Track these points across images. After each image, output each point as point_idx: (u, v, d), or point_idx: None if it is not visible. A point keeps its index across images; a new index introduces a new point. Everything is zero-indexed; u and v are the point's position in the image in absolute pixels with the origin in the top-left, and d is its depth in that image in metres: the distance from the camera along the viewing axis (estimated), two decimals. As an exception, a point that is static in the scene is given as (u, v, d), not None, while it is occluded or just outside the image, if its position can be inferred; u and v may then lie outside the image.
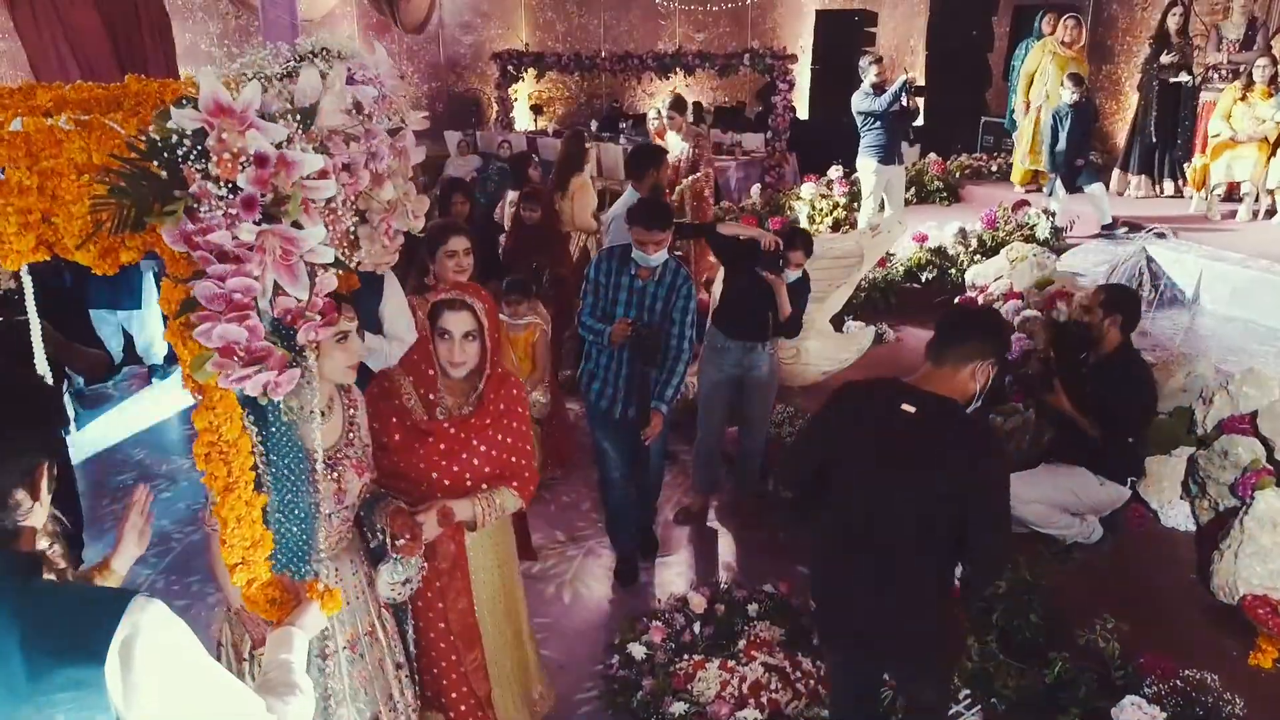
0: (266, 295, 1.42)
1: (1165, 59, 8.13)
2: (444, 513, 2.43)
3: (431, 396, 2.60)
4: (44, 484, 1.34)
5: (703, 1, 14.69)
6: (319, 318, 1.55)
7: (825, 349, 5.55)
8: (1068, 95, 7.62)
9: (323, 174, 1.51)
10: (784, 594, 3.92)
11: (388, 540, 2.32)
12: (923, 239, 7.28)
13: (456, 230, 3.66)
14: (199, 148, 1.35)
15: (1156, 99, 8.24)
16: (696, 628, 3.75)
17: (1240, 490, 3.98)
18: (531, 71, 13.70)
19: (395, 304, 3.24)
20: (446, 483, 2.55)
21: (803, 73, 12.58)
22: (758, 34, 14.57)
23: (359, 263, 1.60)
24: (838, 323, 6.13)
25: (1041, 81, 8.40)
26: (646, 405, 3.80)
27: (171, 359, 6.41)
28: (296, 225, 1.43)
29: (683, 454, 5.06)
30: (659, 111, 7.92)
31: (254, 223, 1.32)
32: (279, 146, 1.44)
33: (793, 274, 4.27)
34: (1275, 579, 3.60)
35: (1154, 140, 8.33)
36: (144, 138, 1.38)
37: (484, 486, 2.59)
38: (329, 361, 2.14)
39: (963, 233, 7.28)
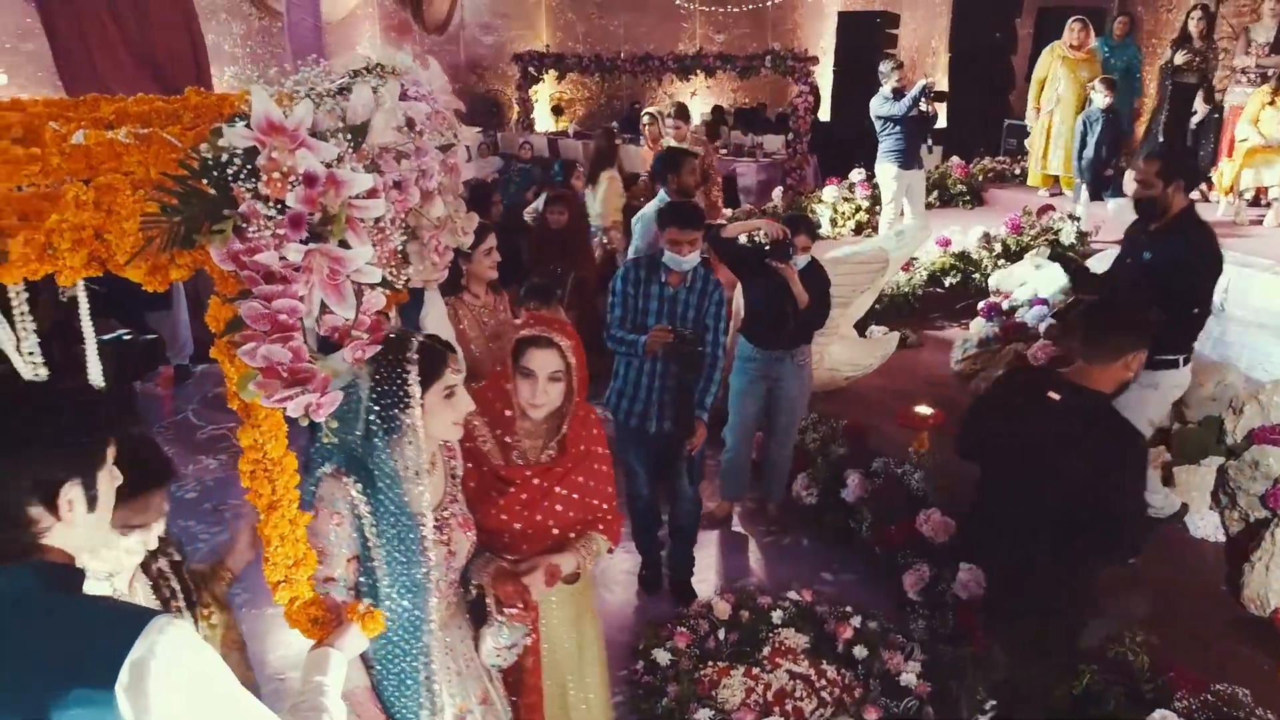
0: (313, 314, 1.43)
1: (1179, 59, 8.06)
2: (551, 571, 2.22)
3: (508, 439, 2.38)
4: (71, 505, 1.31)
5: (723, 3, 14.67)
6: (366, 336, 1.55)
7: (849, 354, 5.53)
8: (1099, 100, 7.55)
9: (372, 193, 1.52)
10: (809, 601, 3.92)
11: (491, 603, 2.14)
12: (946, 243, 7.24)
13: (487, 228, 3.67)
14: (249, 166, 1.36)
15: (1169, 100, 8.17)
16: (721, 634, 3.76)
17: (1271, 502, 3.93)
18: (552, 73, 13.72)
19: (436, 313, 3.24)
20: (529, 533, 2.34)
21: (824, 74, 12.55)
22: (778, 35, 14.54)
23: (408, 280, 1.61)
24: (861, 328, 6.11)
25: (1052, 86, 8.33)
26: (687, 416, 3.77)
27: (197, 359, 6.47)
28: (344, 244, 1.44)
29: (710, 459, 5.06)
30: (654, 116, 7.82)
31: (301, 242, 1.33)
32: (329, 165, 1.44)
33: (801, 259, 4.21)
34: (1307, 592, 3.57)
35: (1159, 140, 8.25)
36: (196, 155, 1.39)
37: (571, 534, 2.38)
38: (435, 419, 1.97)
39: (987, 237, 7.23)
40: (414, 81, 2.12)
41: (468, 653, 2.19)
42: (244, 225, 1.32)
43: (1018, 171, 9.46)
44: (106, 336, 2.66)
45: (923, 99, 7.08)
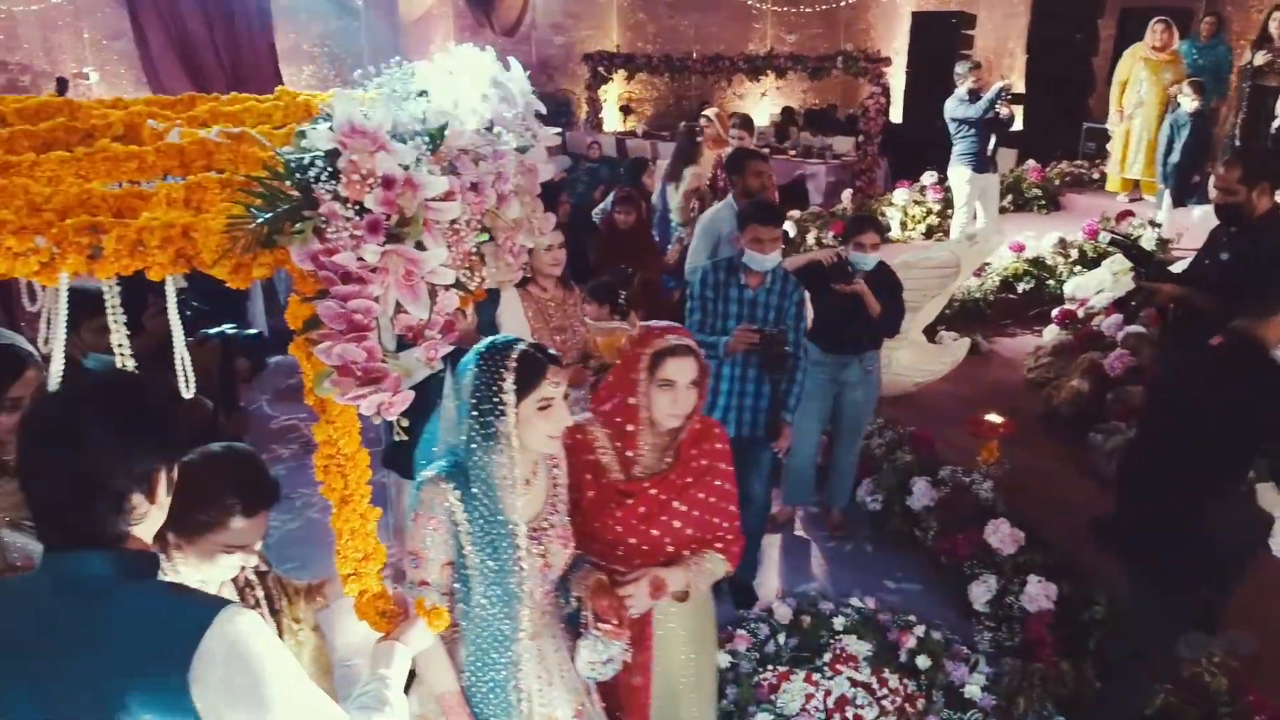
0: (388, 314, 1.46)
1: (1259, 60, 7.76)
2: (656, 584, 2.17)
3: (630, 453, 2.29)
4: (161, 488, 1.37)
5: (795, 2, 14.57)
6: (440, 336, 1.58)
7: (917, 359, 5.46)
8: (1187, 104, 7.32)
9: (448, 195, 1.55)
10: (871, 609, 3.88)
11: (588, 616, 2.09)
12: (1020, 249, 7.10)
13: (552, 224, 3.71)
14: (330, 168, 1.39)
15: (1247, 102, 7.88)
16: (781, 638, 3.73)
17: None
18: (621, 72, 13.76)
19: (511, 310, 3.27)
20: (645, 548, 2.27)
21: (896, 75, 12.38)
22: (850, 36, 14.40)
23: (482, 280, 1.63)
24: (930, 333, 6.02)
25: (1134, 89, 8.09)
26: (772, 419, 3.74)
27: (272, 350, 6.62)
28: (419, 246, 1.47)
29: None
30: (710, 119, 7.65)
31: (378, 244, 1.36)
32: (406, 168, 1.47)
33: (870, 258, 4.13)
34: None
35: (1236, 144, 7.95)
36: (280, 157, 1.43)
37: (686, 551, 2.31)
38: (530, 431, 1.94)
39: (1062, 243, 7.07)
40: (495, 83, 2.16)
41: (563, 664, 2.15)
42: (323, 226, 1.35)
43: (1096, 176, 9.23)
44: (211, 330, 2.77)
45: (999, 101, 6.94)
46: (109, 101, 2.62)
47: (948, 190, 8.27)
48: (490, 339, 2.02)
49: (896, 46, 13.33)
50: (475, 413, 1.93)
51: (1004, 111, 6.99)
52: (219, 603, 1.31)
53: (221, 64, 8.59)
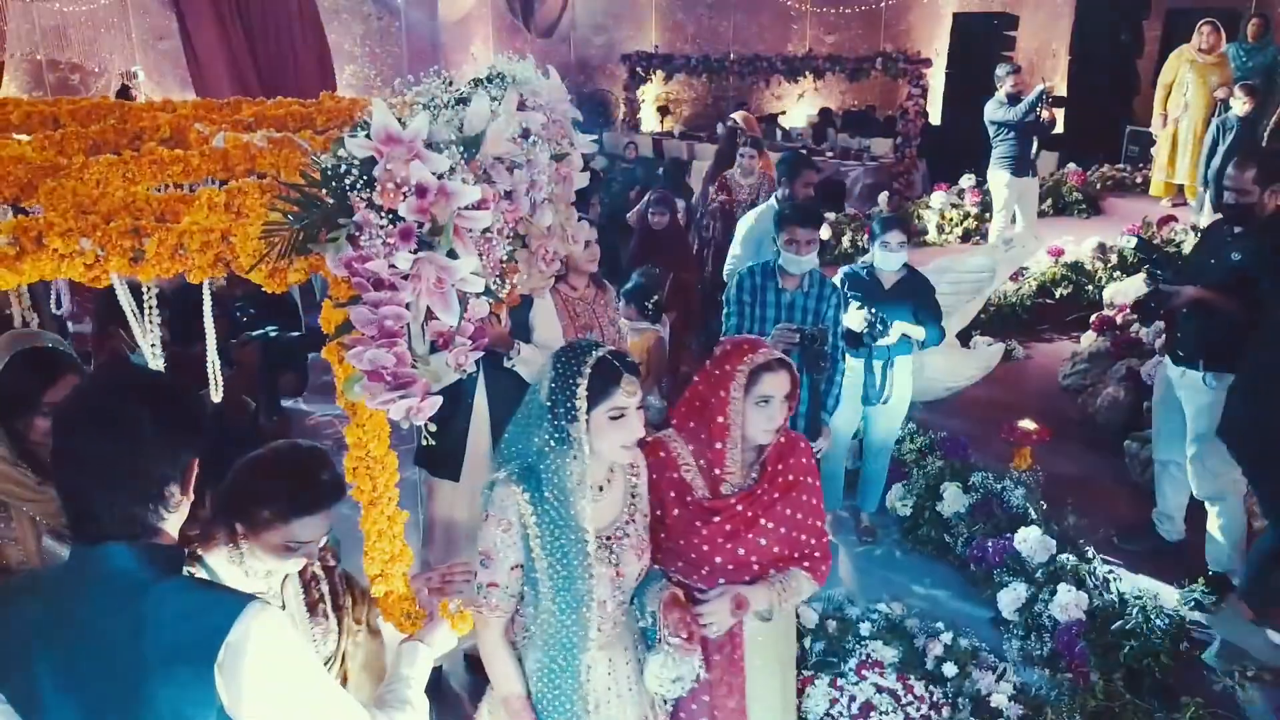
0: (419, 320, 1.49)
1: None
2: (738, 602, 2.13)
3: (717, 472, 2.23)
4: (192, 480, 1.41)
5: (835, 3, 14.49)
6: (470, 343, 1.61)
7: (950, 365, 5.41)
8: (1238, 106, 7.19)
9: (481, 204, 1.59)
10: (899, 614, 3.86)
11: (661, 630, 2.04)
12: (1058, 253, 7.02)
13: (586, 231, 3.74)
14: (365, 176, 1.43)
15: None
16: (806, 642, 3.73)
17: None
18: (659, 73, 13.76)
19: (545, 312, 3.29)
20: (730, 567, 2.22)
21: (936, 76, 12.28)
22: (890, 37, 14.29)
23: (513, 287, 1.66)
24: (965, 338, 5.97)
25: (1180, 92, 7.96)
26: (811, 420, 3.73)
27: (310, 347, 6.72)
28: (451, 254, 1.50)
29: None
30: (737, 122, 7.50)
31: (410, 251, 1.39)
32: (440, 177, 1.50)
33: (895, 257, 4.06)
34: None
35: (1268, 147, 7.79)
36: (317, 164, 1.47)
37: (772, 570, 2.26)
38: (601, 439, 1.92)
39: (1102, 248, 6.98)
40: (532, 91, 2.19)
41: (633, 677, 2.12)
42: (357, 234, 1.39)
43: (1139, 180, 9.08)
44: (254, 333, 2.84)
45: (1040, 105, 6.87)
46: (159, 104, 2.70)
47: (986, 194, 8.19)
48: (571, 342, 2.04)
49: (937, 48, 13.22)
50: (550, 415, 1.93)
51: (1045, 115, 6.92)
52: (246, 598, 1.35)
53: (259, 69, 8.71)
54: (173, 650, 1.29)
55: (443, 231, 1.42)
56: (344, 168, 1.43)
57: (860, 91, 14.37)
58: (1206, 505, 3.93)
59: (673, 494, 2.23)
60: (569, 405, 1.90)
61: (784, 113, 14.36)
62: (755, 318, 3.75)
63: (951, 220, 8.40)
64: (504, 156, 1.81)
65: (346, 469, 1.59)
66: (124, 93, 10.79)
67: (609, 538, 2.02)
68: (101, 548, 1.33)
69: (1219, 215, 7.18)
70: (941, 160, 10.27)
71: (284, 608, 1.92)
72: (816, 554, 2.31)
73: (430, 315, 1.53)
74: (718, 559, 2.21)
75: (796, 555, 2.28)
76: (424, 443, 3.32)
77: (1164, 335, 3.96)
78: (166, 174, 1.98)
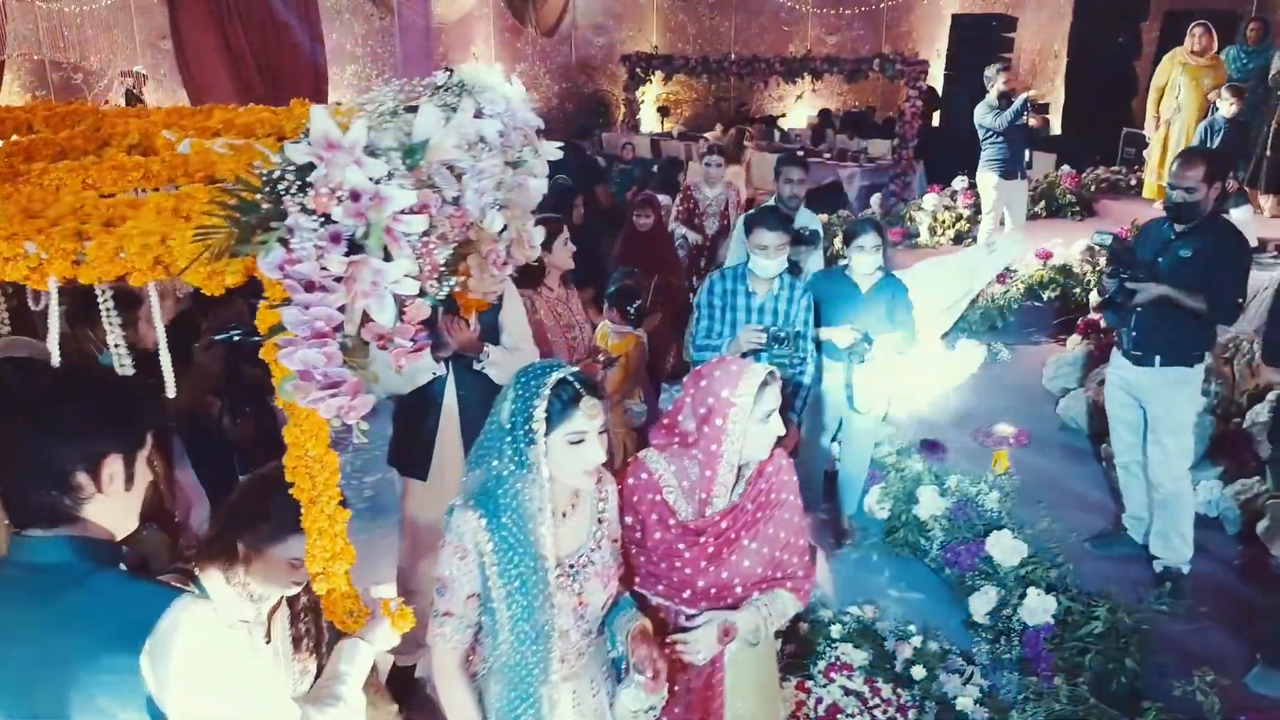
0: (355, 322, 1.52)
1: None
2: (726, 630, 2.09)
3: (703, 495, 2.16)
4: (111, 477, 1.43)
5: (836, 4, 14.49)
6: (410, 344, 1.64)
7: (931, 368, 5.44)
8: (1225, 108, 7.20)
9: (424, 208, 1.62)
10: (870, 617, 3.88)
11: (629, 662, 1.99)
12: (1047, 255, 7.03)
13: (558, 221, 3.80)
14: (300, 181, 1.46)
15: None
16: (777, 644, 3.75)
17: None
18: (659, 74, 13.79)
19: (514, 313, 3.30)
20: (713, 590, 2.16)
21: (937, 78, 12.28)
22: (892, 38, 14.30)
23: (451, 289, 1.68)
24: (950, 341, 5.99)
25: (1172, 94, 7.96)
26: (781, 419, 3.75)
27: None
28: (388, 257, 1.53)
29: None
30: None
31: (344, 254, 1.42)
32: (377, 182, 1.54)
33: (869, 260, 4.07)
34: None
35: (1268, 154, 7.78)
36: (253, 170, 1.50)
37: (756, 592, 2.20)
38: (559, 464, 1.87)
39: (1090, 251, 6.98)
40: (490, 100, 2.23)
41: (600, 709, 2.06)
42: (288, 237, 1.42)
43: (1133, 182, 9.07)
44: (219, 336, 2.87)
45: (1026, 113, 6.89)
46: (133, 111, 2.74)
47: (978, 196, 8.20)
48: (534, 363, 1.97)
49: (939, 49, 13.21)
50: (509, 438, 1.86)
51: (1031, 121, 6.92)
52: (176, 591, 1.39)
53: (261, 67, 8.76)
54: (102, 639, 1.32)
55: (376, 236, 1.45)
56: (278, 172, 1.47)
57: (861, 93, 14.38)
58: (1155, 498, 4.00)
59: (655, 517, 2.16)
60: (527, 428, 1.84)
61: (784, 115, 14.37)
62: (725, 321, 3.78)
63: (944, 222, 8.41)
64: (450, 163, 1.85)
65: (287, 469, 1.61)
66: (130, 98, 10.87)
67: (572, 565, 1.95)
68: (32, 540, 1.38)
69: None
70: (940, 161, 10.26)
71: (268, 641, 1.96)
72: (800, 573, 2.26)
73: (368, 318, 1.57)
74: (700, 582, 2.15)
75: (780, 575, 2.24)
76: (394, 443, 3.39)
77: (1119, 335, 3.98)
78: (127, 180, 2.02)
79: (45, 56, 11.31)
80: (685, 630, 2.12)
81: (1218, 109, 7.30)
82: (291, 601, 1.98)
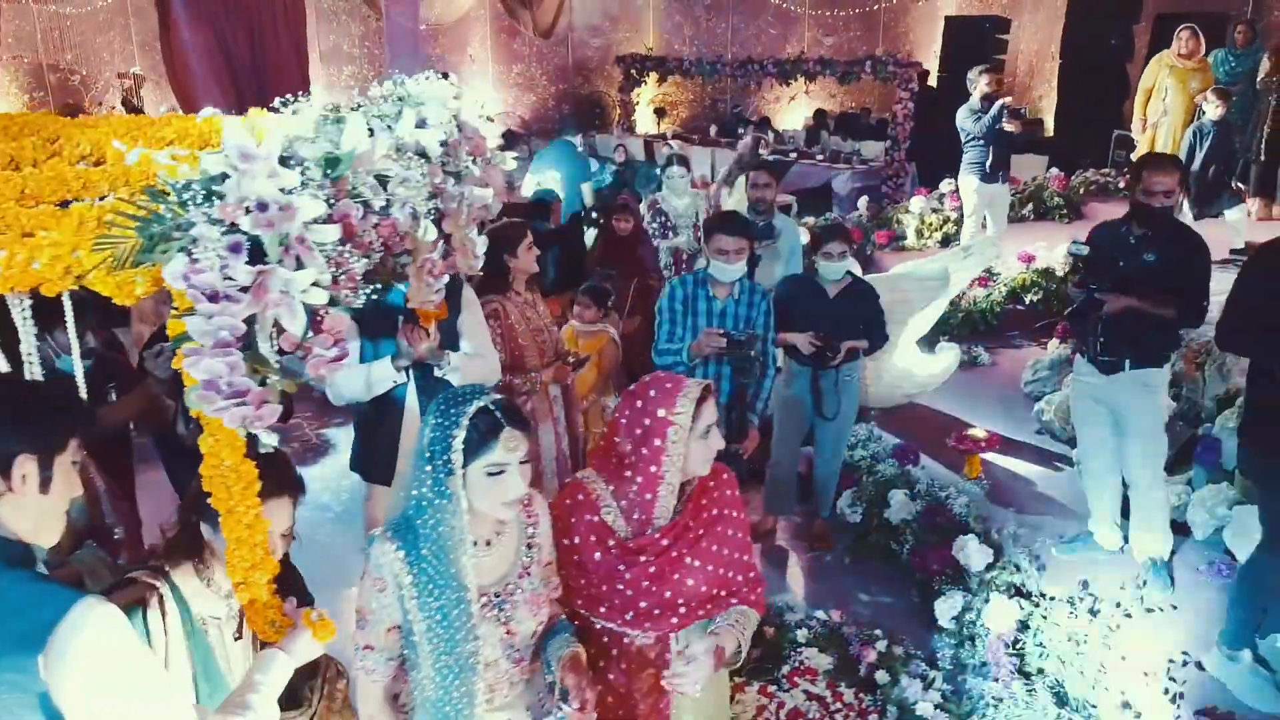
0: (266, 331, 1.53)
1: None
2: (719, 656, 2.03)
3: (641, 515, 2.10)
4: (26, 479, 1.45)
5: (833, 6, 14.48)
6: (330, 354, 1.65)
7: (909, 370, 5.44)
8: (1212, 111, 7.18)
9: (343, 218, 1.64)
10: (836, 622, 3.87)
11: (559, 689, 1.93)
12: (1029, 259, 7.02)
13: (523, 226, 3.82)
14: (206, 191, 1.47)
15: (1270, 114, 7.68)
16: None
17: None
18: (653, 75, 13.77)
19: (472, 320, 3.31)
20: (657, 611, 2.10)
21: (933, 80, 12.27)
22: (889, 39, 14.28)
23: (374, 293, 1.69)
24: (932, 343, 5.98)
25: (1159, 97, 7.94)
26: (739, 420, 3.77)
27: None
28: (300, 266, 1.54)
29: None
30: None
31: (244, 265, 1.43)
32: (291, 192, 1.55)
33: (836, 265, 4.12)
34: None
35: (1261, 157, 7.76)
36: (162, 181, 1.51)
37: (699, 612, 2.14)
38: (478, 496, 1.82)
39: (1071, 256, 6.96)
40: (433, 110, 2.24)
41: None
42: (190, 248, 1.43)
43: (1121, 185, 9.04)
44: (169, 343, 2.92)
45: (1003, 119, 6.87)
46: (90, 121, 2.76)
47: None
48: (455, 389, 1.92)
49: (936, 51, 13.19)
50: (429, 466, 1.81)
51: (1008, 127, 6.90)
52: (80, 593, 1.40)
53: (246, 68, 8.79)
54: (4, 639, 1.34)
55: (273, 245, 1.46)
56: (183, 183, 1.48)
57: (858, 94, 14.33)
58: (1133, 496, 4.02)
59: (593, 537, 2.10)
60: (445, 458, 1.79)
61: (769, 118, 14.36)
62: (686, 326, 3.79)
63: (931, 225, 8.40)
64: (381, 173, 1.87)
65: (204, 478, 1.62)
66: (128, 103, 10.91)
67: (498, 594, 1.91)
68: None
69: (1199, 220, 7.22)
70: (933, 163, 10.23)
71: (239, 638, 1.98)
72: (744, 588, 2.22)
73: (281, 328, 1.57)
74: (643, 603, 2.09)
75: (725, 593, 2.18)
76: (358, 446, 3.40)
77: (1085, 343, 3.98)
78: (67, 190, 2.04)
79: (43, 58, 11.36)
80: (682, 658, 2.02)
81: (1204, 112, 7.29)
82: None
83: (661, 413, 2.04)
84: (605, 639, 2.17)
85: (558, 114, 14.72)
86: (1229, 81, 7.93)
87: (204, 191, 1.48)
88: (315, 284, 1.55)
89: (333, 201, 1.66)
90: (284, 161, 1.61)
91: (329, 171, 1.70)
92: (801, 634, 3.78)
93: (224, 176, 1.54)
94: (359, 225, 1.74)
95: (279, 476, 1.91)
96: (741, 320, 3.77)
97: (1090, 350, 3.92)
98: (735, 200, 6.71)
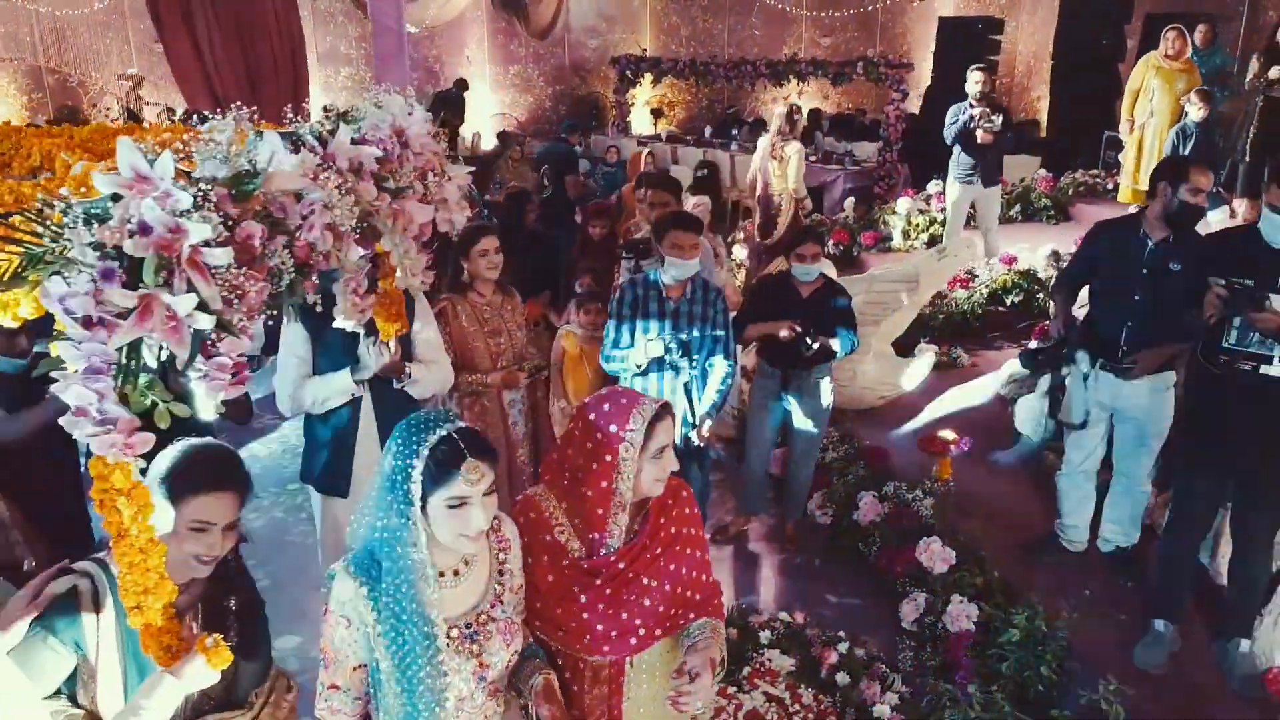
0: (154, 354, 1.54)
1: (1274, 74, 7.47)
2: (712, 667, 1.98)
3: (596, 536, 2.01)
4: None
5: (829, 7, 14.44)
6: (229, 378, 1.65)
7: (883, 373, 5.43)
8: (1195, 112, 7.15)
9: (247, 239, 1.65)
10: (799, 624, 3.88)
11: (533, 716, 1.89)
12: (1011, 261, 7.00)
13: (487, 231, 3.81)
14: (85, 214, 1.48)
15: (1258, 115, 7.63)
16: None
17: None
18: (649, 76, 13.78)
19: (425, 335, 3.31)
20: (614, 634, 2.01)
21: (925, 81, 12.24)
22: (885, 40, 14.24)
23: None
24: (912, 346, 5.97)
25: (1146, 98, 7.89)
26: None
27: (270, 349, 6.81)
28: (192, 289, 1.54)
29: (731, 473, 5.07)
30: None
31: (118, 289, 1.44)
32: (183, 214, 1.56)
33: (809, 268, 4.16)
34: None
35: (1245, 159, 7.71)
36: (46, 200, 1.52)
37: (657, 631, 2.06)
38: (439, 527, 1.76)
39: (1055, 255, 6.94)
40: (373, 126, 2.25)
41: None
42: (64, 271, 1.44)
43: (1110, 186, 9.00)
44: None
45: (971, 126, 6.83)
46: (58, 130, 2.78)
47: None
48: (418, 415, 1.82)
49: (932, 50, 13.15)
50: (390, 495, 1.75)
51: (979, 136, 6.84)
52: None
53: (240, 69, 8.84)
54: None
55: (149, 269, 1.46)
56: (64, 205, 1.49)
57: (854, 95, 14.30)
58: (1117, 489, 4.04)
59: (546, 558, 2.02)
60: (405, 488, 1.73)
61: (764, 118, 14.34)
62: (639, 328, 3.79)
63: (918, 226, 8.37)
64: (295, 191, 1.87)
65: (95, 499, 1.58)
66: (127, 110, 10.96)
67: (469, 625, 1.83)
68: None
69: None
70: (926, 163, 10.18)
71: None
72: (701, 602, 2.14)
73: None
74: (599, 626, 2.00)
75: (684, 610, 2.11)
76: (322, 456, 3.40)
77: (1093, 357, 3.88)
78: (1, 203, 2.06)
79: (42, 60, 11.45)
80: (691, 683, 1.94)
81: (1188, 114, 7.25)
82: (213, 603, 1.96)
83: (613, 429, 1.95)
84: (560, 659, 2.10)
85: (555, 115, 14.75)
86: (1207, 83, 7.87)
87: (84, 215, 1.49)
88: (203, 308, 1.55)
89: (233, 224, 1.67)
90: (192, 181, 1.62)
91: (236, 191, 1.71)
92: (765, 635, 3.78)
93: (115, 197, 1.56)
94: (267, 247, 1.75)
95: (219, 470, 1.88)
96: (696, 319, 3.77)
97: (1096, 360, 3.84)
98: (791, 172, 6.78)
